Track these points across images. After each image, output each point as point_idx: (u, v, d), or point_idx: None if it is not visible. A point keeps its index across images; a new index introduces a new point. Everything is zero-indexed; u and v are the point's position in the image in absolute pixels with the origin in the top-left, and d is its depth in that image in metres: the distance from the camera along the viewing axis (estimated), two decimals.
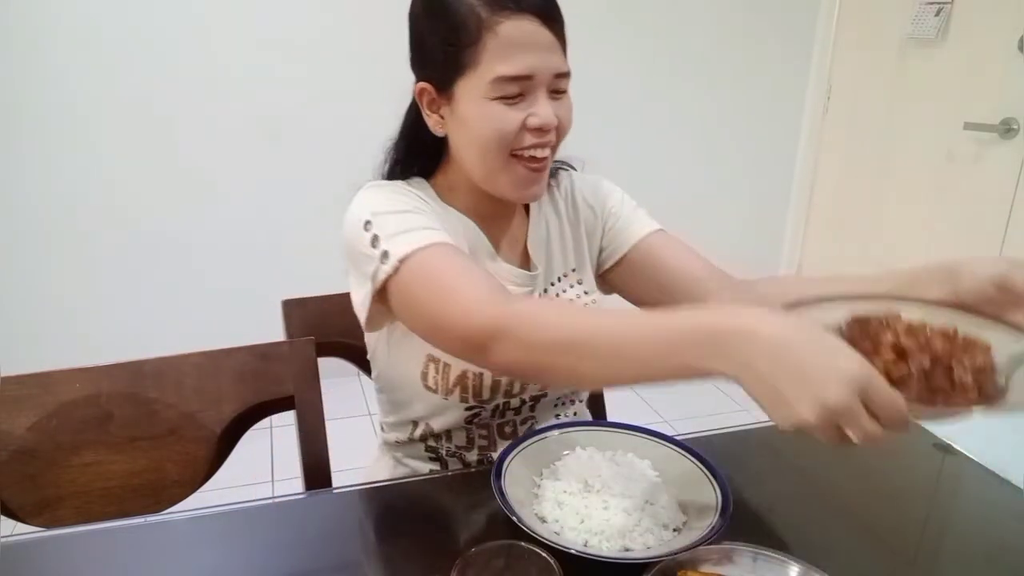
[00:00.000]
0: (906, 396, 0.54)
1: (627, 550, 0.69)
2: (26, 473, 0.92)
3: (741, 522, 0.70)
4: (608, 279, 1.04)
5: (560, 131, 0.85)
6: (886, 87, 2.73)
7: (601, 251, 1.03)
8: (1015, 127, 2.27)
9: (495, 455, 0.87)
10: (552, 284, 0.99)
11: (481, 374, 0.88)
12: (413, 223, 0.81)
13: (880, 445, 0.51)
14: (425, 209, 0.85)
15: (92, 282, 2.46)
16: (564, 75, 0.83)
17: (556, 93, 0.84)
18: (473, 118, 0.82)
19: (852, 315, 0.67)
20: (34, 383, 0.93)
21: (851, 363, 0.51)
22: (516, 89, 0.80)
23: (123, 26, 2.26)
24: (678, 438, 0.85)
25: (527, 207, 0.98)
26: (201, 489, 1.00)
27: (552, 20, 0.81)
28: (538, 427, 0.85)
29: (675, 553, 0.65)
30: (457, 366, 0.88)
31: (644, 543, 0.70)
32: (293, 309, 1.08)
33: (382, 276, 0.79)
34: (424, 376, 0.90)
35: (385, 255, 0.78)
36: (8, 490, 0.91)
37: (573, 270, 1.00)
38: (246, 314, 2.09)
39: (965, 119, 2.37)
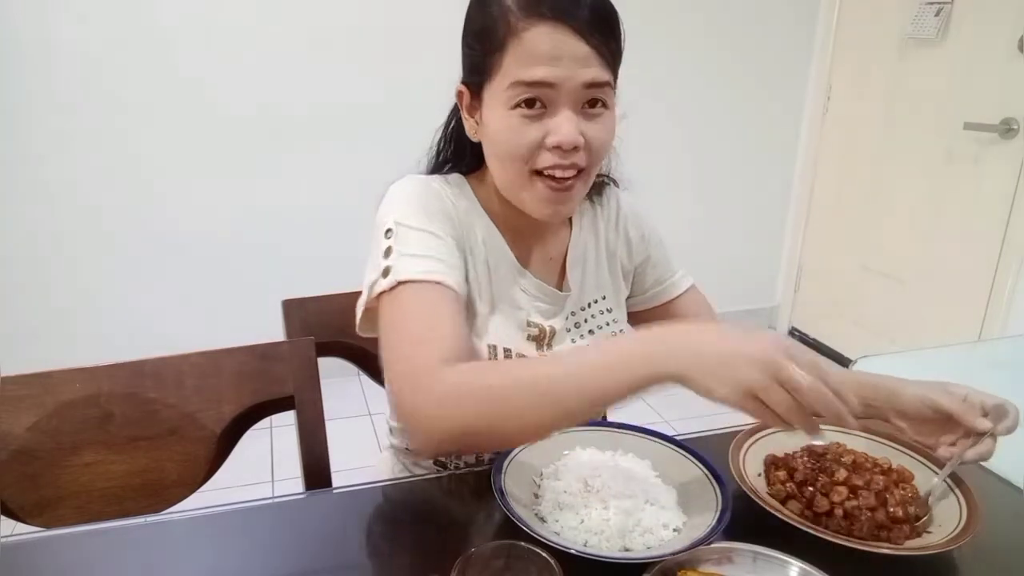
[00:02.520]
0: (856, 532, 0.73)
1: (627, 550, 0.69)
2: (26, 473, 0.92)
3: (741, 522, 0.70)
4: (635, 317, 1.05)
5: (592, 151, 0.80)
6: (886, 87, 2.73)
7: (632, 291, 1.03)
8: (1015, 127, 2.27)
9: None
10: (583, 308, 0.96)
11: None
12: (430, 249, 0.79)
13: (809, 426, 0.59)
14: (451, 234, 0.82)
15: (92, 282, 2.46)
16: (599, 85, 0.77)
17: (590, 107, 0.78)
18: (493, 128, 0.80)
19: (807, 444, 0.85)
20: (34, 383, 0.93)
21: (759, 347, 0.59)
22: (532, 96, 0.76)
23: (123, 21, 2.26)
24: (678, 438, 0.85)
25: (570, 220, 0.96)
26: (201, 489, 1.00)
27: (591, 32, 0.75)
28: None
29: (675, 553, 0.65)
30: None
31: (644, 543, 0.70)
32: (293, 309, 1.08)
33: (378, 289, 0.78)
34: None
35: (387, 271, 0.77)
36: (8, 490, 0.91)
37: (604, 297, 0.98)
38: (246, 314, 2.09)
39: (965, 119, 2.37)
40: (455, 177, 0.91)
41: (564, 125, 0.77)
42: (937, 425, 0.84)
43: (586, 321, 0.96)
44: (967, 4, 2.39)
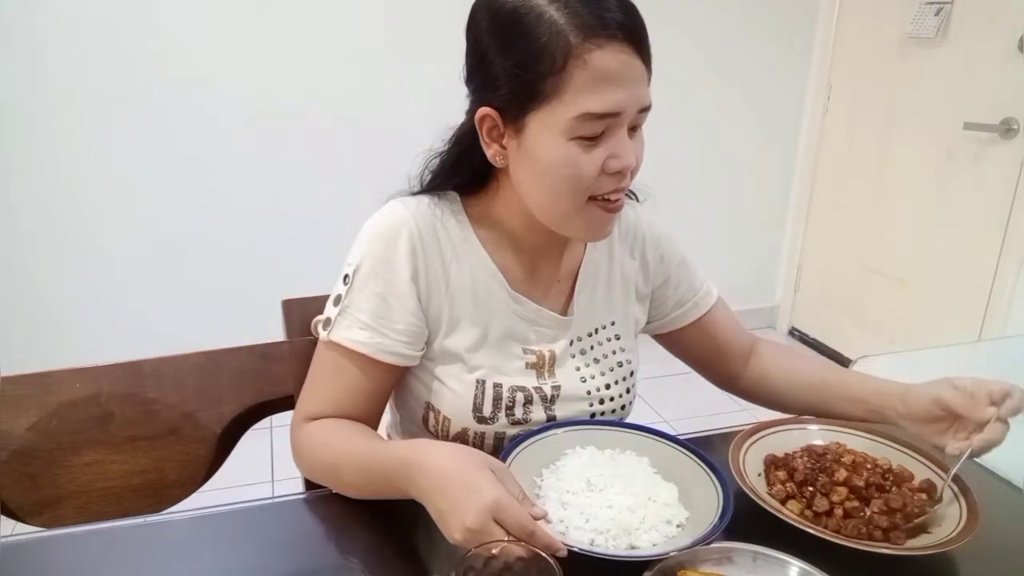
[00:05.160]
0: (855, 531, 0.72)
1: (633, 547, 0.69)
2: (26, 473, 0.92)
3: (741, 522, 0.70)
4: (660, 337, 1.05)
5: (634, 172, 0.79)
6: (886, 87, 2.73)
7: (652, 313, 1.01)
8: (1015, 127, 2.27)
9: None
10: (590, 334, 0.94)
11: (483, 434, 0.87)
12: (375, 316, 0.82)
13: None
14: (407, 294, 0.83)
15: (92, 282, 2.46)
16: (648, 108, 0.76)
17: (632, 130, 0.77)
18: (547, 158, 0.75)
19: (807, 444, 0.86)
20: (34, 383, 0.93)
21: (484, 497, 0.62)
22: (601, 128, 0.73)
23: (120, 20, 2.26)
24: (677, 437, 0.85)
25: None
26: (201, 489, 1.00)
27: (643, 45, 0.73)
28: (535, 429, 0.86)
29: (683, 549, 0.65)
30: (457, 423, 0.86)
31: (650, 540, 0.70)
32: (293, 309, 1.08)
33: (319, 333, 0.86)
34: (425, 420, 0.90)
35: (329, 323, 0.84)
36: (8, 490, 0.91)
37: (613, 323, 0.95)
38: (246, 314, 2.09)
39: (965, 119, 2.37)
40: (450, 196, 0.88)
41: (625, 149, 0.75)
42: (947, 423, 0.83)
43: (592, 348, 0.93)
44: (967, 4, 2.39)
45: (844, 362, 2.98)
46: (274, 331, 1.08)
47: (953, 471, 0.79)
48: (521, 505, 0.64)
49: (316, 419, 0.84)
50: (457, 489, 0.64)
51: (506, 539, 0.60)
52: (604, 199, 0.78)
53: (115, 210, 2.42)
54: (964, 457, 0.79)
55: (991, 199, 2.36)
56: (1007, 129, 2.28)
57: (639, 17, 0.74)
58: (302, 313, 1.08)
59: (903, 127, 2.68)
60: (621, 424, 0.89)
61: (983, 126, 2.34)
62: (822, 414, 0.95)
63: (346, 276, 0.84)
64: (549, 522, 0.70)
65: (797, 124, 3.13)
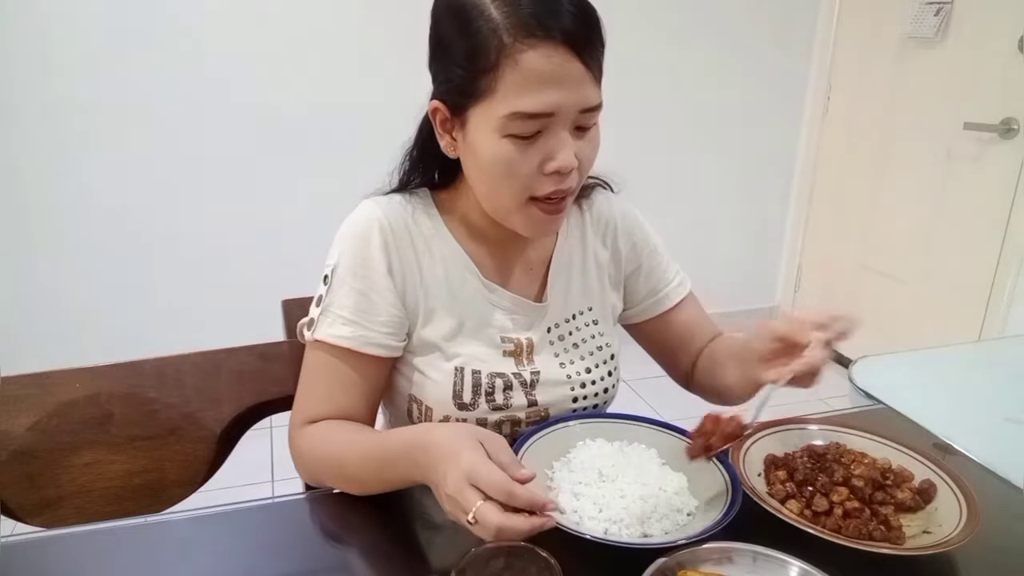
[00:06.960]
0: (855, 531, 0.72)
1: (646, 536, 0.70)
2: (26, 473, 0.92)
3: (741, 522, 0.70)
4: (632, 328, 1.04)
5: (581, 170, 0.78)
6: (886, 87, 2.73)
7: (625, 301, 1.01)
8: (1015, 127, 2.27)
9: None
10: (567, 320, 0.94)
11: (464, 421, 0.87)
12: (356, 311, 0.83)
13: (512, 536, 0.60)
14: (386, 286, 0.84)
15: (91, 282, 2.46)
16: (593, 109, 0.75)
17: (581, 130, 0.76)
18: (483, 154, 0.76)
19: (807, 444, 0.85)
20: (34, 383, 0.93)
21: (460, 462, 0.63)
22: (534, 127, 0.73)
23: (121, 21, 2.26)
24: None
25: None
26: (201, 489, 1.00)
27: (586, 49, 0.72)
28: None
29: (693, 537, 0.66)
30: (439, 411, 0.87)
31: (662, 528, 0.71)
32: (293, 309, 1.08)
33: (304, 334, 0.87)
34: (409, 412, 0.90)
35: (312, 323, 0.85)
36: (8, 490, 0.91)
37: (590, 308, 0.96)
38: (246, 314, 2.09)
39: (965, 119, 2.37)
40: (421, 193, 0.90)
41: (562, 150, 0.74)
42: (789, 356, 0.77)
43: (570, 334, 0.94)
44: (967, 4, 2.38)
45: (844, 362, 2.98)
46: (274, 331, 1.08)
47: (766, 397, 0.77)
48: (507, 470, 0.63)
49: (313, 422, 0.84)
50: (441, 460, 0.66)
51: (506, 542, 0.60)
52: (545, 200, 0.78)
53: (115, 210, 2.42)
54: (783, 382, 0.76)
55: (991, 199, 2.36)
56: (1007, 129, 2.28)
57: (590, 20, 0.73)
58: (302, 313, 1.07)
59: (903, 127, 2.68)
60: (628, 417, 0.89)
61: (983, 126, 2.33)
62: (736, 393, 0.90)
63: (325, 277, 0.86)
64: (556, 507, 0.70)
65: (797, 124, 3.13)
